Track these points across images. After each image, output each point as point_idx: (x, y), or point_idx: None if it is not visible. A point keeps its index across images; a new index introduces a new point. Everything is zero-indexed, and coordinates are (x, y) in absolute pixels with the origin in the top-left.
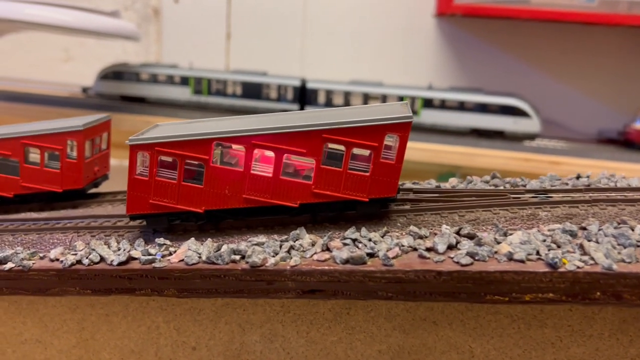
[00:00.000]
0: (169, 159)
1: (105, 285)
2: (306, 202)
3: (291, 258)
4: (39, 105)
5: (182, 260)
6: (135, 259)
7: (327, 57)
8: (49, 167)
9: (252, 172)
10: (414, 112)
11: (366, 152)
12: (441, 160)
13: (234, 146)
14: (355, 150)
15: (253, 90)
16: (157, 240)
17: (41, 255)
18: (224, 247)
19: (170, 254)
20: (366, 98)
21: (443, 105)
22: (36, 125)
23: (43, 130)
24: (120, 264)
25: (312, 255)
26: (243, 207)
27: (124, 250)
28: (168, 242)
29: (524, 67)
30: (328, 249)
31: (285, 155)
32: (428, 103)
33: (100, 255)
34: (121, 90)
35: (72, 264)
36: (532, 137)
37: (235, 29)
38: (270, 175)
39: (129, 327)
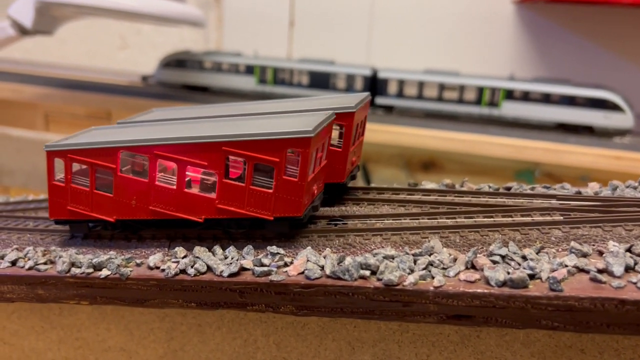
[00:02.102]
0: (84, 166)
1: (213, 299)
2: (211, 218)
3: (433, 277)
4: (99, 94)
5: (302, 273)
6: (246, 269)
7: (396, 44)
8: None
9: (156, 183)
10: (495, 104)
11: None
12: (521, 157)
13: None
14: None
15: (320, 80)
16: (269, 248)
17: (138, 261)
18: (349, 260)
19: (286, 264)
20: (442, 89)
21: (526, 97)
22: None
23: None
24: (231, 275)
25: (457, 274)
26: (150, 218)
27: (233, 259)
28: (282, 250)
29: (614, 58)
30: (474, 267)
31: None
32: (510, 94)
33: (207, 265)
34: (184, 78)
35: (176, 274)
36: (624, 133)
37: (299, 16)
38: (175, 187)
39: (224, 339)
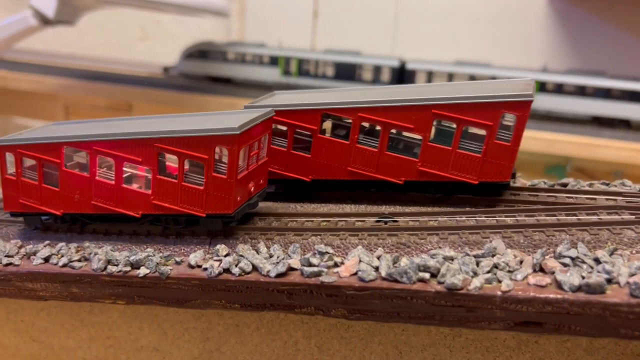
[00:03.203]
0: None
1: (259, 300)
2: (147, 213)
3: (499, 281)
4: (120, 85)
5: (355, 274)
6: (294, 269)
7: (424, 35)
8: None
9: (97, 178)
10: None
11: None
12: (553, 151)
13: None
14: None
15: (346, 71)
16: (317, 247)
17: (177, 259)
18: (405, 261)
19: (336, 264)
20: (473, 80)
21: (560, 89)
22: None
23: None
24: (278, 275)
25: (525, 278)
26: (92, 213)
27: (279, 257)
28: (330, 249)
29: None
30: (542, 270)
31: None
32: (543, 87)
33: (253, 264)
34: (206, 70)
35: (220, 273)
36: None
37: (323, 6)
38: (113, 182)
39: (262, 340)
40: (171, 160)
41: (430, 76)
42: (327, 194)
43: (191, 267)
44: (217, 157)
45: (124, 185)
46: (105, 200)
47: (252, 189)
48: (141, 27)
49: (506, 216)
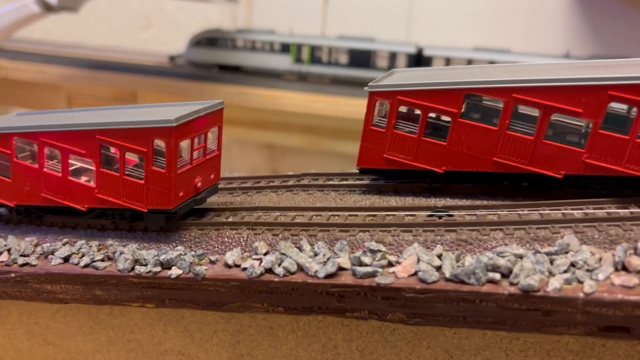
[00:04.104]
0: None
1: (306, 303)
2: (93, 207)
3: (580, 282)
4: (125, 74)
5: (414, 275)
6: (344, 269)
7: (439, 20)
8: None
9: (45, 170)
10: None
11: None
12: None
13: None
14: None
15: (360, 59)
16: (368, 244)
17: (212, 258)
18: (469, 260)
19: (390, 264)
20: None
21: None
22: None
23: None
24: (328, 276)
25: (608, 278)
26: (43, 205)
27: (325, 256)
28: (383, 247)
29: None
30: (625, 269)
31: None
32: None
33: (298, 263)
34: (215, 58)
35: (262, 274)
36: None
37: None
38: (60, 174)
39: (298, 343)
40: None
41: (448, 63)
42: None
43: (228, 266)
44: (159, 150)
45: (70, 178)
46: (53, 193)
47: (198, 185)
48: (145, 15)
49: (572, 209)
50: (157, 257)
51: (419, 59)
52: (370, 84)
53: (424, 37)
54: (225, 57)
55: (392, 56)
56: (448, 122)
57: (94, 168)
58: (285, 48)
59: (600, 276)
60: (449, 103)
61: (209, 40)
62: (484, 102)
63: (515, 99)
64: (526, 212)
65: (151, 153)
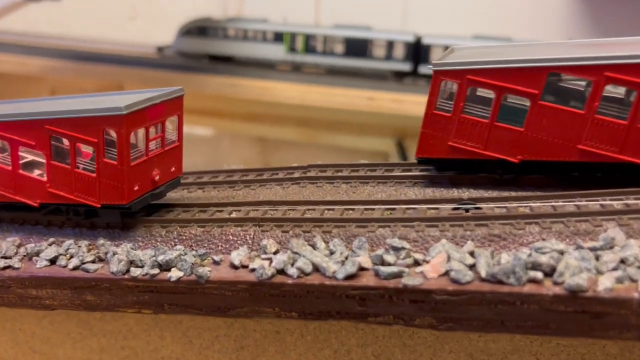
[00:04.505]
0: None
1: (323, 307)
2: (45, 202)
3: (634, 280)
4: (111, 66)
5: (445, 274)
6: (365, 269)
7: (436, 7)
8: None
9: None
10: None
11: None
12: None
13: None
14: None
15: (357, 48)
16: (390, 241)
17: (215, 258)
18: (505, 257)
19: (417, 262)
20: None
21: None
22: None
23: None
24: (347, 277)
25: None
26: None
27: (342, 254)
28: (407, 244)
29: None
30: None
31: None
32: None
33: (313, 263)
34: (205, 48)
35: (273, 275)
36: None
37: None
38: (10, 168)
39: (308, 349)
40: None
41: None
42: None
43: (234, 267)
44: (110, 141)
45: (21, 172)
46: (3, 188)
47: (156, 178)
48: (131, 5)
49: (611, 199)
50: (154, 258)
51: (417, 48)
52: (434, 61)
53: (422, 26)
54: (216, 47)
55: (390, 45)
56: (525, 104)
57: (44, 161)
58: (278, 37)
59: None
60: (528, 83)
61: (199, 29)
62: (561, 82)
63: (608, 78)
64: (560, 203)
65: (102, 144)
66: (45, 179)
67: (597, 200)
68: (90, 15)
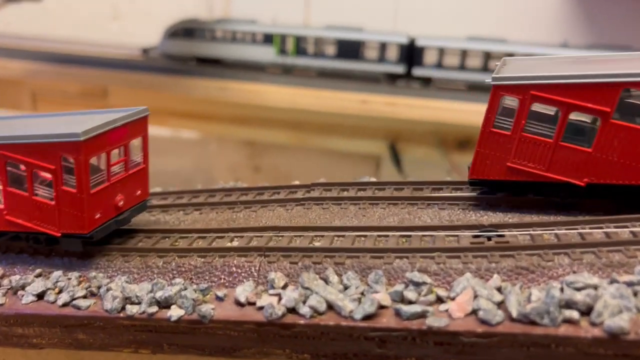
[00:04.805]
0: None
1: (339, 349)
2: (3, 230)
3: None
4: (95, 69)
5: (472, 314)
6: (384, 306)
7: (429, 8)
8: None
9: None
10: None
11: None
12: None
13: None
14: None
15: (349, 50)
16: (410, 275)
17: (219, 294)
18: (536, 294)
19: (440, 299)
20: (487, 58)
21: None
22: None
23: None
24: (366, 317)
25: None
26: None
27: (357, 289)
28: (428, 278)
29: None
30: None
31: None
32: None
33: (327, 301)
34: (193, 50)
35: (283, 315)
36: None
37: None
38: None
39: None
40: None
41: (442, 53)
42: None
43: (240, 304)
44: (69, 167)
45: None
46: None
47: (120, 203)
48: (113, 5)
49: None
50: (152, 294)
51: (410, 50)
52: (494, 75)
53: (415, 27)
54: (204, 49)
55: (383, 47)
56: (593, 123)
57: (0, 187)
58: (268, 39)
59: None
60: (599, 100)
61: (186, 31)
62: (630, 98)
63: None
64: (587, 229)
65: (60, 171)
66: (2, 206)
67: (627, 227)
68: (72, 15)
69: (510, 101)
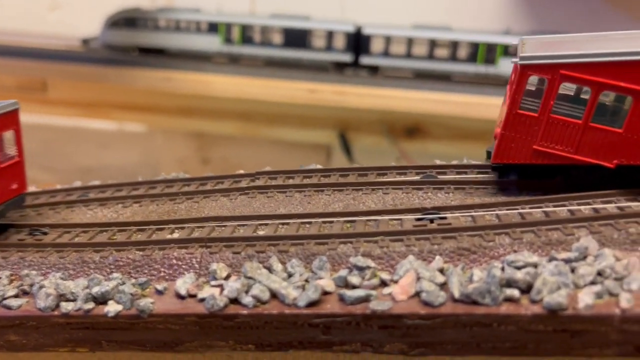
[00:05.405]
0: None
1: (283, 338)
2: None
3: (612, 294)
4: (31, 60)
5: (416, 296)
6: (328, 292)
7: None
8: None
9: None
10: (491, 62)
11: None
12: None
13: None
14: None
15: (296, 38)
16: (353, 260)
17: (158, 287)
18: (478, 274)
19: (383, 283)
20: (433, 45)
21: None
22: None
23: None
24: (310, 304)
25: None
26: None
27: (301, 276)
28: (371, 262)
29: (614, 9)
30: None
31: None
32: (508, 51)
33: (270, 289)
34: (135, 40)
35: (226, 306)
36: None
37: None
38: None
39: None
40: None
41: (388, 42)
42: None
43: (181, 297)
44: None
45: None
46: None
47: None
48: None
49: (578, 204)
50: (87, 290)
51: (357, 39)
52: (522, 54)
53: (362, 15)
54: (146, 39)
55: (329, 35)
56: (621, 102)
57: None
58: (213, 27)
59: (633, 286)
60: (632, 78)
61: (127, 20)
62: None
63: None
64: (527, 209)
65: None
66: None
67: (565, 206)
68: (6, 5)
69: (537, 81)
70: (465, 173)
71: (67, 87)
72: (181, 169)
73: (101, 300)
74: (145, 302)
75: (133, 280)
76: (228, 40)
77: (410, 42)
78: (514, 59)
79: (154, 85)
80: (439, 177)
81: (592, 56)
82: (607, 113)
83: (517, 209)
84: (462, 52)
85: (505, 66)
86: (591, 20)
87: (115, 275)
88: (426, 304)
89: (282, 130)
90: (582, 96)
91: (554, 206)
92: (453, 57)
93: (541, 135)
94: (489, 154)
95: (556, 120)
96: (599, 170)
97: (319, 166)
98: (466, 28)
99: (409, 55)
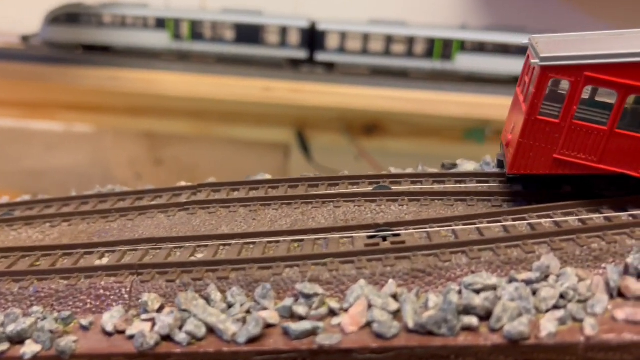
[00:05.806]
0: None
1: None
2: None
3: (576, 319)
4: None
5: (367, 326)
6: (271, 325)
7: None
8: None
9: None
10: (448, 57)
11: None
12: (473, 115)
13: None
14: None
15: (248, 34)
16: (299, 287)
17: (83, 322)
18: (434, 300)
19: (332, 312)
20: (389, 41)
21: (482, 48)
22: None
23: None
24: (250, 340)
25: (606, 311)
26: None
27: (242, 307)
28: (319, 288)
29: (570, 4)
30: (622, 296)
31: None
32: (464, 46)
33: (206, 324)
34: (78, 37)
35: (157, 343)
36: None
37: None
38: None
39: None
40: None
41: (343, 38)
42: None
43: (108, 334)
44: None
45: None
46: None
47: None
48: None
49: (538, 217)
50: (2, 329)
51: (312, 34)
52: (543, 55)
53: (316, 10)
54: (90, 35)
55: (283, 31)
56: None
57: None
58: (160, 23)
59: (598, 309)
60: None
61: (69, 16)
62: None
63: None
64: (485, 224)
65: None
66: None
67: (525, 219)
68: None
69: (559, 84)
70: (421, 183)
71: (7, 86)
72: (133, 170)
73: (17, 339)
74: (67, 342)
75: (55, 315)
76: (177, 36)
77: (366, 38)
78: (534, 60)
79: (100, 85)
80: (392, 188)
81: (620, 56)
82: (634, 118)
83: (474, 224)
84: (419, 48)
85: (462, 62)
86: (548, 15)
87: (35, 309)
88: (378, 336)
89: (238, 129)
90: (597, 99)
91: (513, 220)
92: (409, 53)
93: (562, 143)
94: (500, 162)
95: (579, 127)
96: (623, 181)
97: (267, 176)
98: (422, 23)
99: (365, 52)
